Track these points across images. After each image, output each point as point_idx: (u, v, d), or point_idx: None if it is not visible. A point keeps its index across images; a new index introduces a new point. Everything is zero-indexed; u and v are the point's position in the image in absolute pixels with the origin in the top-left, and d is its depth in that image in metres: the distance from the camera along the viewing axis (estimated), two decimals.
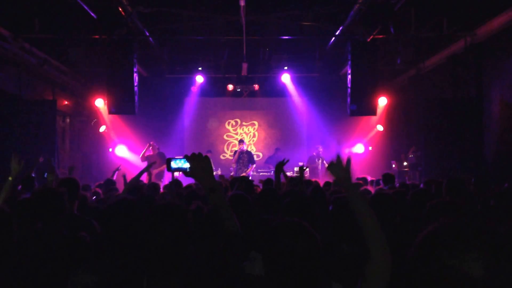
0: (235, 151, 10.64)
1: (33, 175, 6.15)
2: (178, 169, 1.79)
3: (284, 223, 1.56)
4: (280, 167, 4.56)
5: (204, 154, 1.78)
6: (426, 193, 3.31)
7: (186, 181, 6.26)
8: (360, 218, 1.56)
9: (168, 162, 1.82)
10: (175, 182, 5.40)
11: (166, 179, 9.64)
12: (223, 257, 1.76)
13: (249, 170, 10.25)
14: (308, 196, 3.76)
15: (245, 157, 10.47)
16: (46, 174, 3.86)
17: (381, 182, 6.16)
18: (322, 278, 1.71)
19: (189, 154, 1.77)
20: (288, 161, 4.70)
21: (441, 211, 2.46)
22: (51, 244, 2.38)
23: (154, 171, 9.32)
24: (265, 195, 3.30)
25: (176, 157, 1.84)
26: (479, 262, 0.87)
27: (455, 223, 0.95)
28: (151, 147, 9.83)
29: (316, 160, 10.75)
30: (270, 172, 10.60)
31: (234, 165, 10.56)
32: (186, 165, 1.77)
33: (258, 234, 1.65)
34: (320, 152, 10.80)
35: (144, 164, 8.48)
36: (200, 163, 1.74)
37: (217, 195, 1.72)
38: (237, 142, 11.90)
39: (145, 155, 9.75)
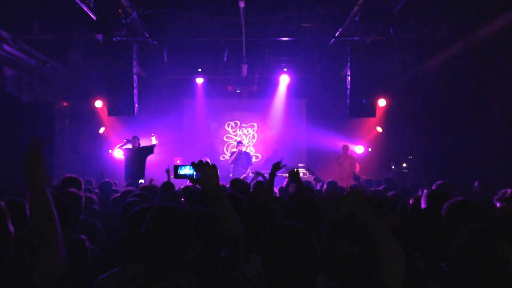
0: (233, 152, 10.67)
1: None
2: (185, 176, 1.81)
3: (283, 226, 1.56)
4: (276, 168, 4.25)
5: (204, 160, 1.80)
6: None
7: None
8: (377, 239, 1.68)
9: (175, 169, 1.83)
10: (167, 184, 5.29)
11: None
12: (226, 260, 1.76)
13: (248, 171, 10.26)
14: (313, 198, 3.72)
15: (243, 159, 10.50)
16: None
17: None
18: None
19: (190, 158, 1.79)
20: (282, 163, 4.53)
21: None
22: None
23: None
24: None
25: (182, 164, 1.87)
26: None
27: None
28: (130, 142, 9.67)
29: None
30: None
31: (231, 166, 10.59)
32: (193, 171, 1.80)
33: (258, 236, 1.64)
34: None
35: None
36: (207, 170, 1.75)
37: (221, 201, 1.73)
38: (236, 144, 11.91)
39: (122, 148, 9.76)
